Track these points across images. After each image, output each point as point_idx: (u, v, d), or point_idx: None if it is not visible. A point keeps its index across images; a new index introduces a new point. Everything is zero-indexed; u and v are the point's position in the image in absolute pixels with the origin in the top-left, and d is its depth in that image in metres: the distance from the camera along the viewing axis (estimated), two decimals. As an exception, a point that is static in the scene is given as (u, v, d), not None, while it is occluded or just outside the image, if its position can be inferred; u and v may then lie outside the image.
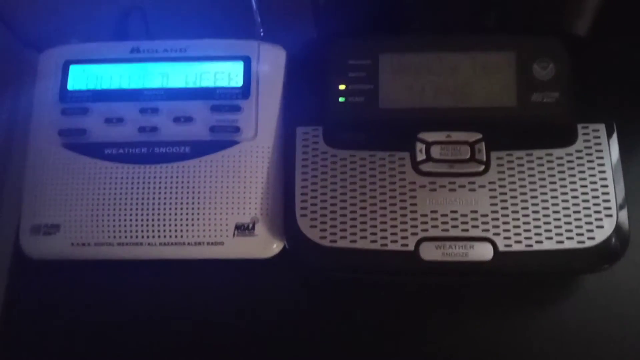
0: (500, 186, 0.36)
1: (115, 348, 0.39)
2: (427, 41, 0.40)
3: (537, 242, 0.35)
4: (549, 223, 0.35)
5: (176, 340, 0.39)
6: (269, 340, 0.39)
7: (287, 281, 0.40)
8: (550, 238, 0.35)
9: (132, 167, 0.39)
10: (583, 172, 0.36)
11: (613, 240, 0.35)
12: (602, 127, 0.37)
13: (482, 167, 0.37)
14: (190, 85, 0.40)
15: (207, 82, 0.40)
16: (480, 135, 0.38)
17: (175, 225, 0.38)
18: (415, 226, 0.36)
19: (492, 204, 0.36)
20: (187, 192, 0.38)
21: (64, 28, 0.45)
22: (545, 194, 0.36)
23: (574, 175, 0.36)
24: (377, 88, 0.39)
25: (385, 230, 0.36)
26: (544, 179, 0.36)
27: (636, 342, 0.38)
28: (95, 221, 0.38)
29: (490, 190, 0.36)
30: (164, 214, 0.38)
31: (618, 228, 0.35)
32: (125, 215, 0.38)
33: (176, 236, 0.38)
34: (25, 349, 0.40)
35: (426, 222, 0.36)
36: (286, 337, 0.39)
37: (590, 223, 0.35)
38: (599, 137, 0.37)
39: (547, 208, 0.36)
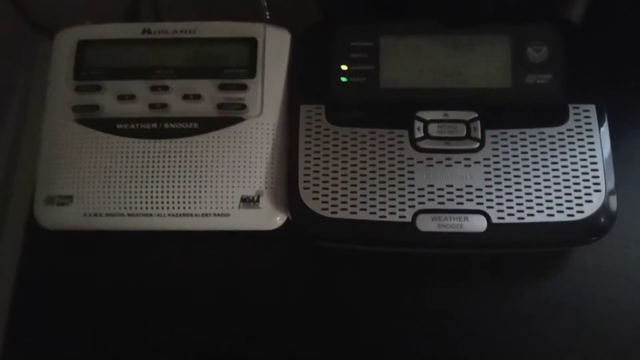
0: (494, 162, 0.38)
1: (126, 316, 0.40)
2: (426, 25, 0.41)
3: (528, 215, 0.37)
4: (540, 197, 0.37)
5: (183, 309, 0.41)
6: (269, 311, 0.40)
7: (287, 252, 0.42)
8: (541, 211, 0.37)
9: (143, 142, 0.40)
10: (573, 149, 0.38)
11: (601, 214, 0.37)
12: (592, 108, 0.39)
13: (477, 144, 0.38)
14: (199, 64, 0.42)
15: (216, 62, 0.42)
16: (475, 114, 0.39)
17: (184, 197, 0.39)
18: (413, 199, 0.37)
19: (486, 179, 0.38)
20: (195, 166, 0.39)
21: (76, 15, 0.47)
22: (537, 170, 0.38)
23: (564, 153, 0.38)
24: (378, 69, 0.41)
25: (384, 202, 0.37)
26: (536, 156, 0.38)
27: (623, 315, 0.39)
28: (106, 193, 0.39)
29: (485, 166, 0.38)
30: (173, 187, 0.39)
31: (606, 203, 0.37)
32: (135, 187, 0.39)
33: (184, 207, 0.39)
34: (39, 317, 0.41)
35: (423, 196, 0.37)
36: (286, 307, 0.41)
37: (580, 198, 0.37)
38: (589, 117, 0.39)
39: (539, 183, 0.37)
